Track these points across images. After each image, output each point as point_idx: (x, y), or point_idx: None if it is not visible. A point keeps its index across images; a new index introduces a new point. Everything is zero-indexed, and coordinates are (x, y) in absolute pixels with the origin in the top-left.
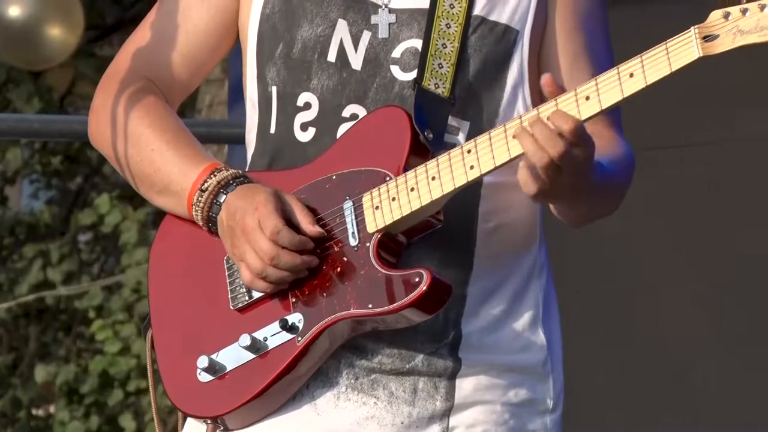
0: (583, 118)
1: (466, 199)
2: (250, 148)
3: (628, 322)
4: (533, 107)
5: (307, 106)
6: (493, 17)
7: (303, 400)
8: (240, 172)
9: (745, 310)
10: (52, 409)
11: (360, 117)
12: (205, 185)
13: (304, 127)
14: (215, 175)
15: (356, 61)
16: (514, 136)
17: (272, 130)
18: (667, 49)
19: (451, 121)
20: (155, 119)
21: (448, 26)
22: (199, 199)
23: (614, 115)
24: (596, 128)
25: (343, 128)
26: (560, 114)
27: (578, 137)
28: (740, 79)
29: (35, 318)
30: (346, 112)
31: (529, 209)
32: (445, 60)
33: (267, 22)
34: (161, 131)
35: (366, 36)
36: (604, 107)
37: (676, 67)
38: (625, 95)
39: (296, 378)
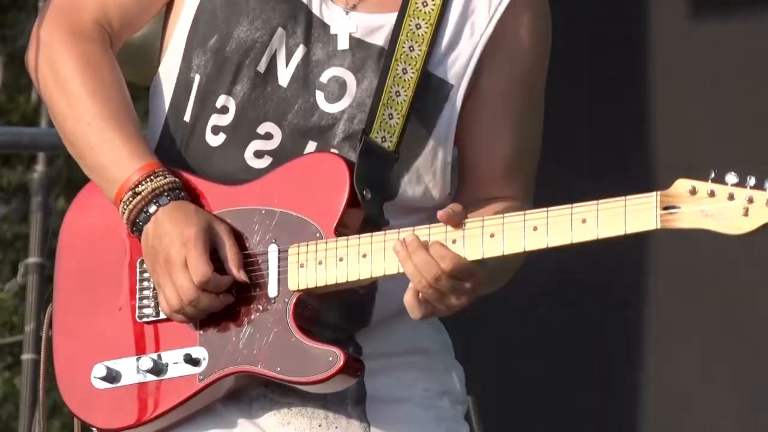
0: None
1: None
2: (158, 121)
3: None
4: (450, 167)
5: (224, 109)
6: (430, 68)
7: (216, 414)
8: (177, 182)
9: None
10: None
11: (275, 138)
12: (140, 188)
13: (215, 130)
14: (151, 180)
15: (284, 77)
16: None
17: (186, 118)
18: (625, 206)
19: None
20: (99, 86)
21: (404, 71)
22: (130, 200)
23: (530, 179)
24: (509, 191)
25: (254, 145)
26: (437, 248)
27: (459, 274)
28: None
29: None
30: (261, 129)
31: None
32: (395, 110)
33: (209, 3)
34: (103, 103)
35: (299, 52)
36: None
37: (631, 230)
38: (575, 241)
39: (194, 407)
